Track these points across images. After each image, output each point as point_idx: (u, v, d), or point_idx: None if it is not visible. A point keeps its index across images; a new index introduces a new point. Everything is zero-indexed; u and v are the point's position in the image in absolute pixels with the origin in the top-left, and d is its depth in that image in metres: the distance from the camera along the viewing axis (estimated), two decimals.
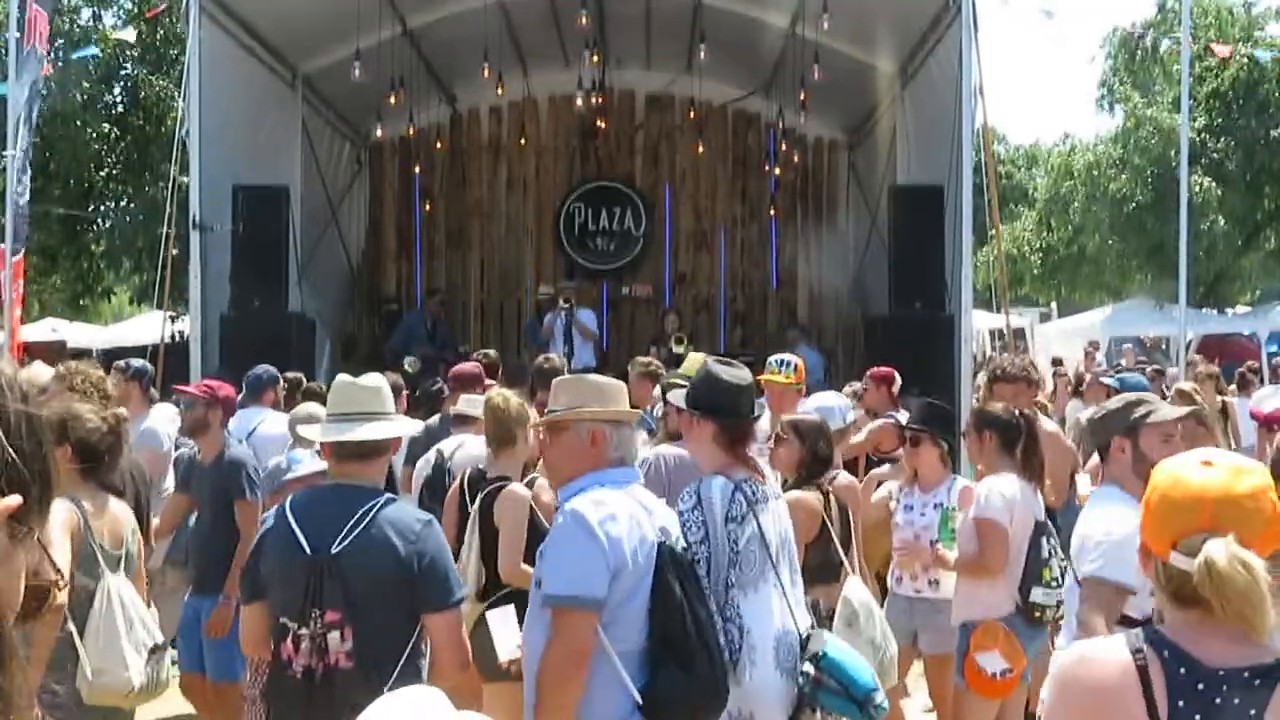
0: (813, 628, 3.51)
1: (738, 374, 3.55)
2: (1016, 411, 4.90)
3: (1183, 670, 1.84)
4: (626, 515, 3.03)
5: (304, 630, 3.07)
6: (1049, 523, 4.81)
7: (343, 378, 3.51)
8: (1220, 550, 1.82)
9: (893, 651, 4.35)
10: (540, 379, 6.85)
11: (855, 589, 4.39)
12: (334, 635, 3.06)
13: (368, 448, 3.29)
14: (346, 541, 3.10)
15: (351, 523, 3.13)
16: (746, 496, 3.37)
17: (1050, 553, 4.63)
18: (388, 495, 3.30)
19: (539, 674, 2.97)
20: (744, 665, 3.25)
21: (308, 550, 3.11)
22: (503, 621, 3.88)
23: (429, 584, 3.14)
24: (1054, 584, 4.58)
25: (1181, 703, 1.82)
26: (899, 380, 7.75)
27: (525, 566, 4.29)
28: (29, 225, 10.39)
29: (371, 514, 3.15)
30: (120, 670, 3.62)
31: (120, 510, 3.95)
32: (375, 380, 3.47)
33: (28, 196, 10.37)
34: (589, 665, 2.96)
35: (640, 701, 2.94)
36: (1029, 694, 5.33)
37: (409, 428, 3.62)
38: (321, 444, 3.43)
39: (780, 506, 3.59)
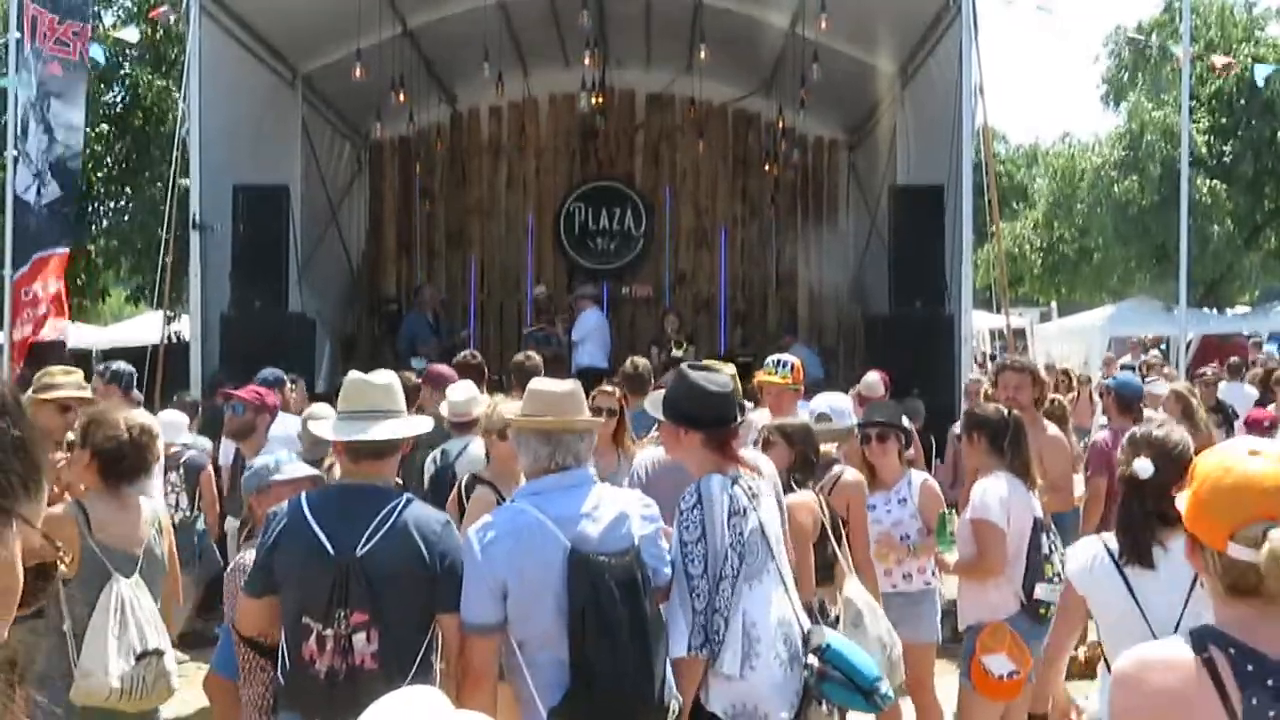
0: (815, 623, 3.53)
1: (718, 380, 3.49)
2: (1005, 410, 4.88)
3: (1250, 666, 1.81)
4: (513, 533, 3.07)
5: (329, 631, 3.07)
6: (1048, 518, 4.80)
7: (354, 375, 3.48)
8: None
9: (899, 649, 4.35)
10: (520, 376, 6.86)
11: (855, 589, 4.39)
12: (360, 636, 3.06)
13: (383, 446, 3.28)
14: (371, 543, 3.10)
15: (375, 524, 3.12)
16: (745, 490, 3.38)
17: (1051, 548, 4.63)
18: (407, 495, 3.30)
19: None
20: (738, 655, 3.26)
21: (332, 551, 3.10)
22: None
23: (447, 584, 3.14)
24: (1056, 579, 4.56)
25: (1255, 700, 1.79)
26: (868, 380, 7.79)
27: None
28: (57, 224, 10.32)
29: (394, 515, 3.15)
30: (100, 673, 3.67)
31: (146, 511, 3.98)
32: (387, 377, 3.45)
33: (54, 195, 10.32)
34: (512, 679, 3.09)
35: (545, 715, 3.01)
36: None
37: (423, 426, 3.58)
38: (334, 442, 3.39)
39: (774, 503, 3.58)
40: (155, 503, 4.20)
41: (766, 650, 3.30)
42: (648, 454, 4.58)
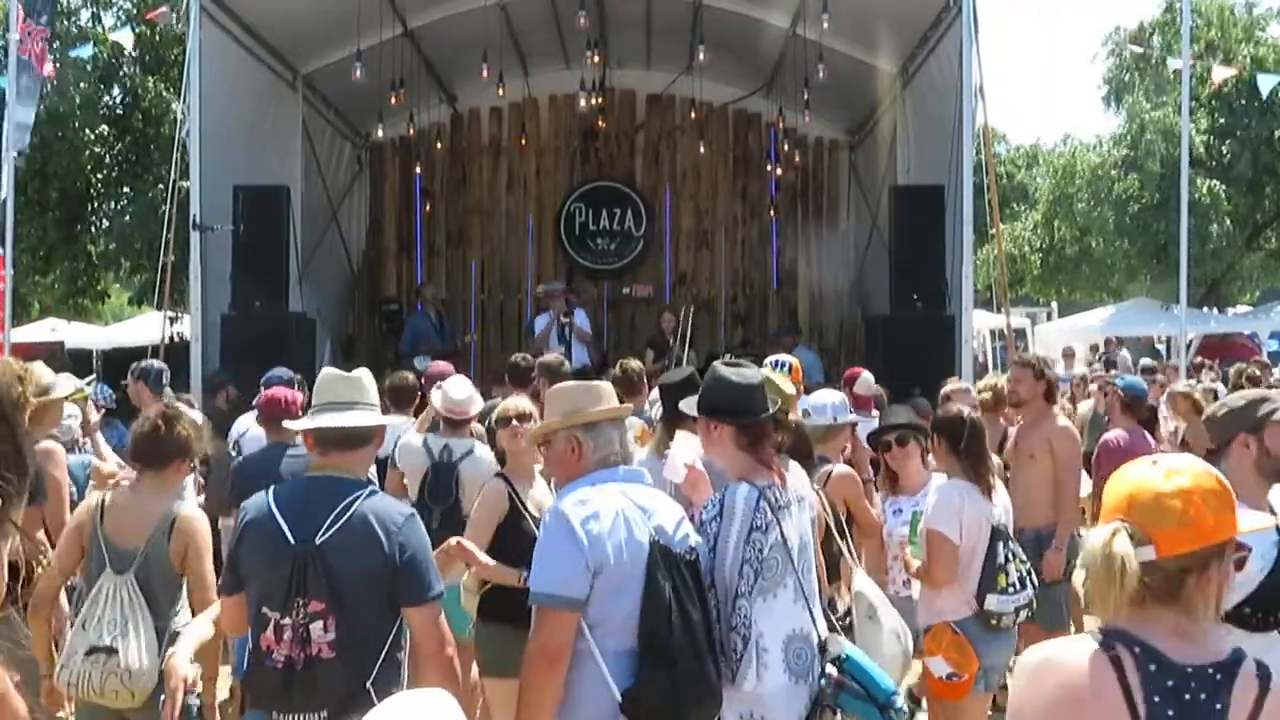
0: (831, 630, 3.50)
1: (746, 373, 3.52)
2: (964, 413, 4.83)
3: (1153, 667, 1.88)
4: (612, 513, 3.04)
5: (286, 620, 3.05)
6: (1006, 527, 4.68)
7: (327, 371, 3.52)
8: (1098, 535, 1.92)
9: (910, 640, 4.34)
10: (551, 377, 6.84)
11: (864, 583, 4.37)
12: (317, 625, 3.03)
13: (350, 436, 3.27)
14: (331, 532, 3.09)
15: (335, 513, 3.11)
16: (770, 503, 3.34)
17: (1007, 558, 4.54)
18: (371, 487, 3.29)
19: (522, 670, 3.01)
20: (754, 670, 3.23)
21: (292, 540, 3.09)
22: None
23: (409, 577, 3.12)
24: (1011, 589, 4.50)
25: (1157, 699, 1.86)
26: (864, 378, 7.73)
27: (485, 559, 4.36)
28: None
29: (355, 505, 3.13)
30: (61, 667, 3.76)
31: (161, 507, 3.97)
32: (358, 373, 3.48)
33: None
34: (574, 664, 3.00)
35: (621, 700, 2.95)
36: (996, 695, 5.31)
37: (392, 420, 3.57)
38: (304, 434, 3.40)
39: (802, 510, 3.54)
40: (184, 503, 4.15)
41: (774, 662, 3.28)
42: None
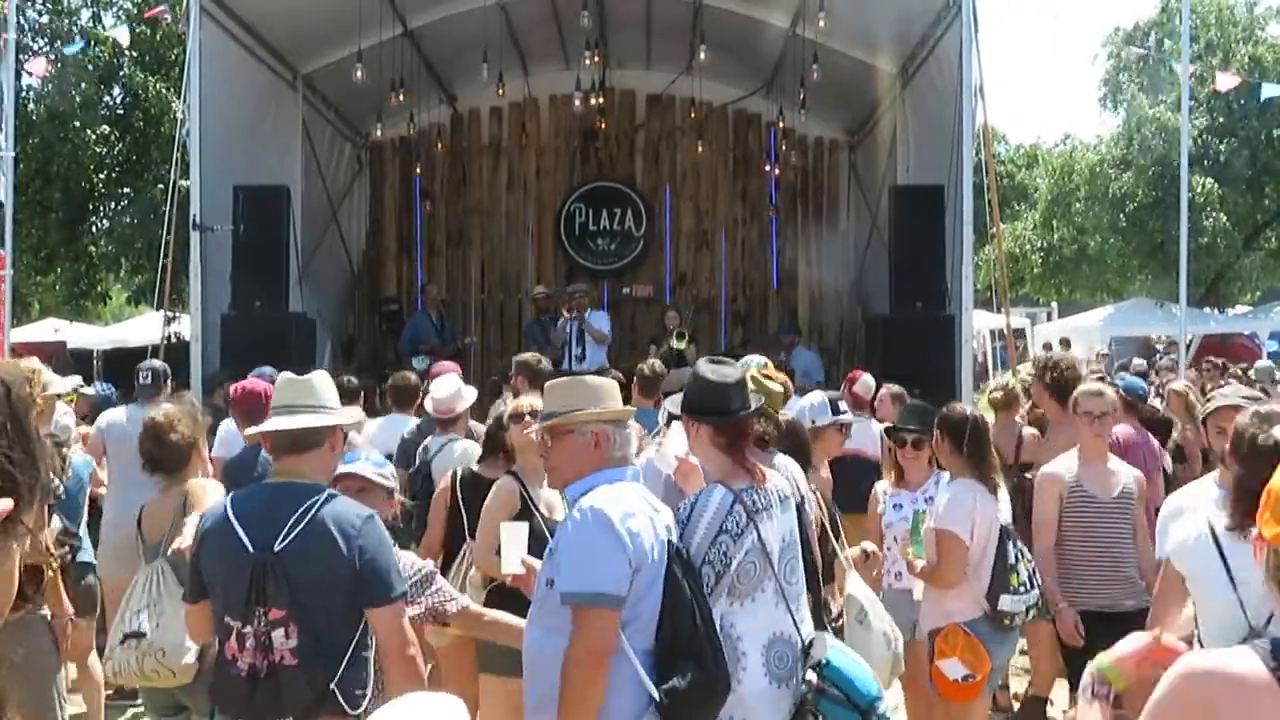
0: (815, 630, 3.45)
1: (724, 371, 3.48)
2: (967, 411, 4.82)
3: None
4: (641, 511, 3.04)
5: (248, 629, 3.07)
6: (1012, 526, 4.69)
7: (282, 375, 3.56)
8: None
9: (901, 643, 4.33)
10: (530, 376, 6.86)
11: (857, 585, 4.37)
12: (278, 632, 3.05)
13: (297, 440, 3.26)
14: (289, 539, 3.09)
15: (293, 520, 3.11)
16: (746, 507, 3.29)
17: (1017, 557, 4.55)
18: (329, 491, 3.26)
19: (563, 672, 2.93)
20: (733, 672, 3.19)
21: (250, 548, 3.10)
22: (514, 535, 3.80)
23: (371, 579, 3.12)
24: (1022, 589, 4.52)
25: None
26: (865, 380, 7.73)
27: (495, 556, 4.37)
28: None
29: (313, 511, 3.12)
30: (107, 660, 3.94)
31: (178, 499, 4.12)
32: (314, 375, 3.48)
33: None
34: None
35: (658, 698, 2.92)
36: (996, 694, 5.30)
37: (343, 418, 3.52)
38: (262, 439, 3.43)
39: (786, 509, 3.48)
40: (200, 489, 4.21)
41: (754, 665, 3.26)
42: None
